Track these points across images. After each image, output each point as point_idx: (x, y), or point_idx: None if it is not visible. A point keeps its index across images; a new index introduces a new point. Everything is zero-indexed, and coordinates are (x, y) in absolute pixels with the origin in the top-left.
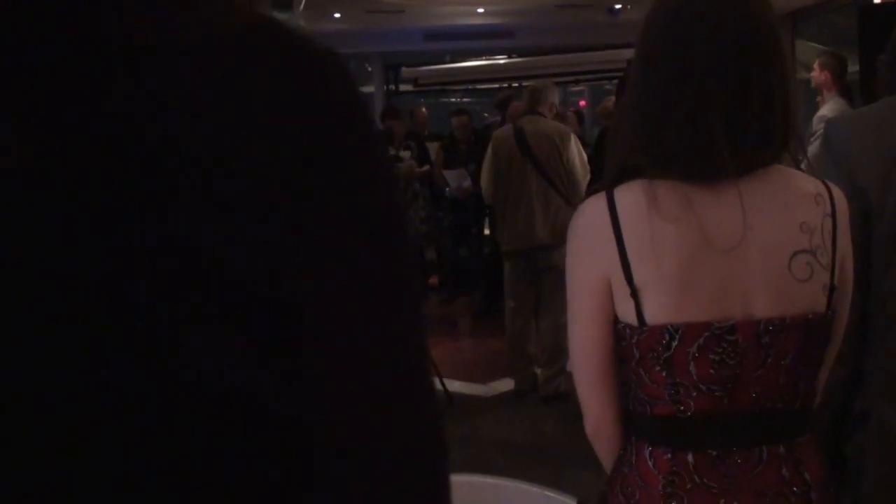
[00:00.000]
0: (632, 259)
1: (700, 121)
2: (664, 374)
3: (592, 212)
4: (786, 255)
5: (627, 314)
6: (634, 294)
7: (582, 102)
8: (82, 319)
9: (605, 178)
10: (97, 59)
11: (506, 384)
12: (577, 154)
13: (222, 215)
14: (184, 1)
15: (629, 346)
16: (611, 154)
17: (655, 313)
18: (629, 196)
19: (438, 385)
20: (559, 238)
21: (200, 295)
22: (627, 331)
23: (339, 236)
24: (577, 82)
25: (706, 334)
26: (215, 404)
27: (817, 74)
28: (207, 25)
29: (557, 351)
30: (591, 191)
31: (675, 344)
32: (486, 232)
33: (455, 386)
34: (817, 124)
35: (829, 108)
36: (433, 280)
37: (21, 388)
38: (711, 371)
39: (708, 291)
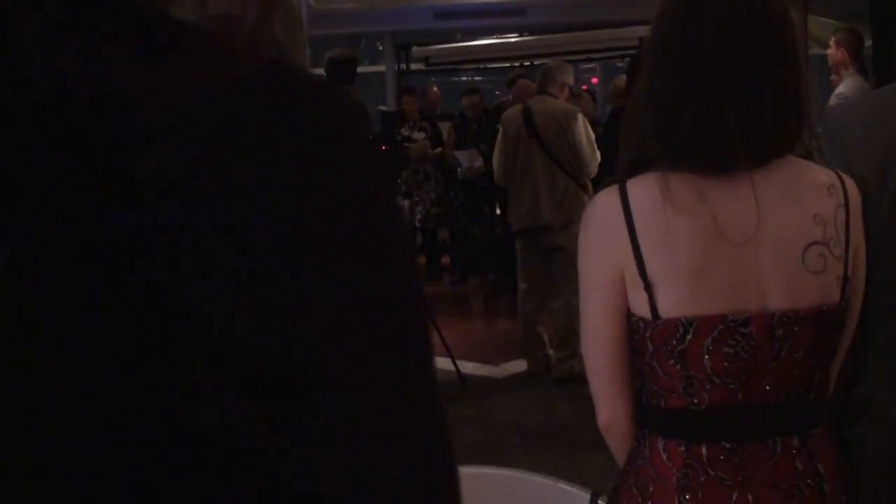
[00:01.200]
0: (645, 252)
1: (713, 112)
2: (678, 367)
3: (605, 205)
4: (799, 246)
5: (641, 307)
6: (648, 287)
7: (594, 80)
8: (76, 383)
9: (617, 171)
10: (59, 115)
11: (518, 365)
12: (584, 133)
13: (223, 277)
14: (169, 50)
15: (643, 339)
16: (623, 146)
17: (669, 306)
18: (642, 189)
19: (451, 366)
20: (565, 218)
21: (204, 355)
22: (641, 324)
23: (351, 294)
24: (589, 60)
25: (720, 327)
26: (218, 464)
27: (834, 52)
28: (199, 76)
29: (570, 333)
30: (605, 183)
31: (689, 337)
32: (498, 212)
33: (467, 367)
34: (835, 102)
35: (846, 85)
36: (445, 260)
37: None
38: (726, 364)
39: (722, 284)
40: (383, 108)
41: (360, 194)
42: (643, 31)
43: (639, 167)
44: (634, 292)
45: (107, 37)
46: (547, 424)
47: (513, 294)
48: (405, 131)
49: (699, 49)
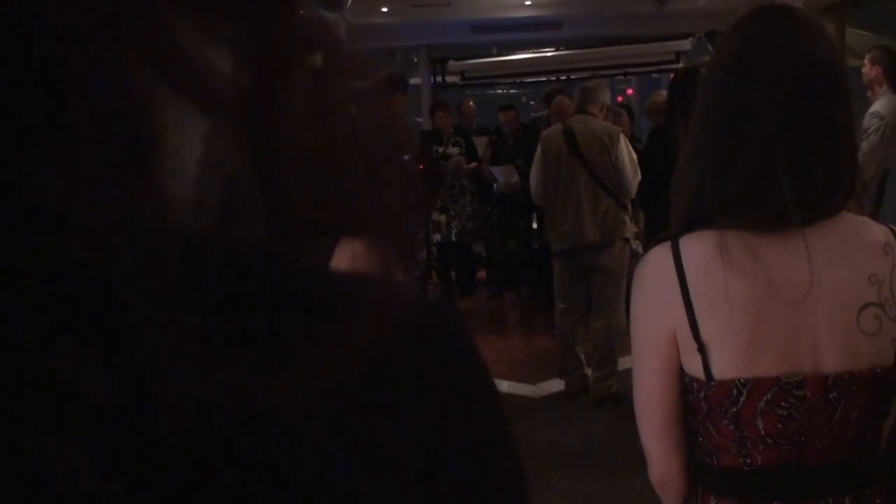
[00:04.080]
0: (698, 313)
1: (765, 168)
2: (731, 428)
3: (657, 264)
4: (854, 308)
5: (695, 368)
6: (701, 349)
7: (629, 91)
8: None
9: (671, 226)
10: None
11: (556, 385)
12: (627, 153)
13: None
14: (303, 327)
15: (696, 399)
16: (675, 199)
17: (724, 368)
18: (695, 247)
19: None
20: (608, 238)
21: None
22: (695, 385)
23: None
24: (625, 75)
25: (774, 389)
26: None
27: (868, 69)
28: (333, 362)
29: (609, 353)
30: (657, 240)
31: (743, 399)
32: (535, 226)
33: (504, 386)
34: (869, 121)
35: (881, 104)
36: (481, 274)
37: None
38: (779, 425)
39: (777, 345)
40: (419, 119)
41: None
42: (680, 45)
43: (692, 223)
44: (688, 353)
45: (229, 324)
46: (585, 446)
47: (549, 309)
48: (440, 148)
49: (750, 104)
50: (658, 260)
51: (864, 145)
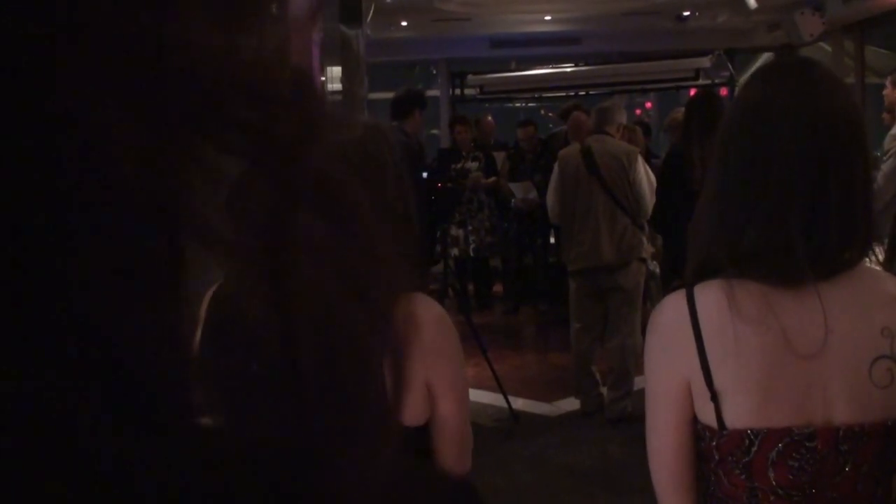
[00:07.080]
0: (712, 362)
1: (780, 222)
2: (743, 478)
3: (672, 312)
4: (866, 360)
5: (707, 417)
6: (714, 398)
7: (648, 104)
8: None
9: (685, 274)
10: None
11: (571, 403)
12: (644, 174)
13: None
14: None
15: (709, 447)
16: (691, 248)
17: (736, 417)
18: (710, 296)
19: (503, 403)
20: (625, 258)
21: None
22: (707, 433)
23: None
24: (644, 91)
25: (786, 440)
26: None
27: (889, 91)
28: None
29: (624, 373)
30: (672, 287)
31: (754, 449)
32: (552, 241)
33: (518, 403)
34: (890, 143)
35: None
36: (497, 288)
37: None
38: (790, 477)
39: (789, 396)
40: (436, 132)
41: None
42: (699, 62)
43: (707, 271)
44: (701, 402)
45: None
46: (600, 466)
47: (565, 324)
48: (459, 164)
49: (766, 157)
50: (673, 308)
51: (885, 167)
